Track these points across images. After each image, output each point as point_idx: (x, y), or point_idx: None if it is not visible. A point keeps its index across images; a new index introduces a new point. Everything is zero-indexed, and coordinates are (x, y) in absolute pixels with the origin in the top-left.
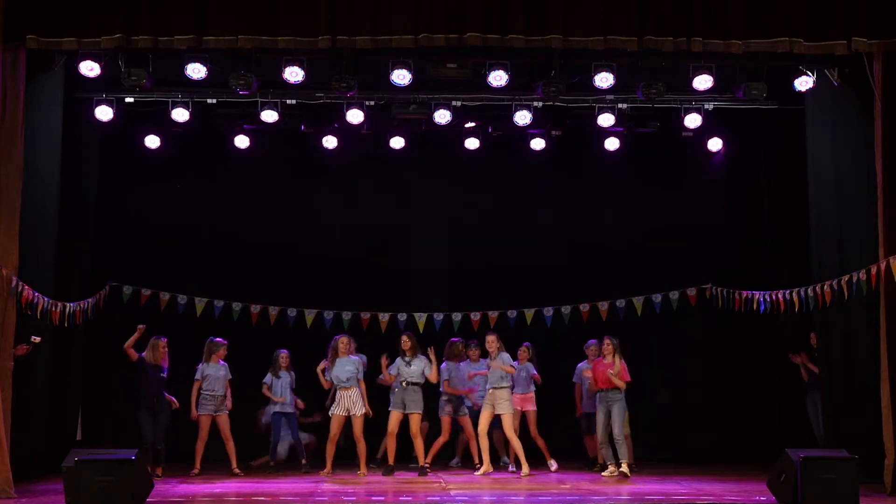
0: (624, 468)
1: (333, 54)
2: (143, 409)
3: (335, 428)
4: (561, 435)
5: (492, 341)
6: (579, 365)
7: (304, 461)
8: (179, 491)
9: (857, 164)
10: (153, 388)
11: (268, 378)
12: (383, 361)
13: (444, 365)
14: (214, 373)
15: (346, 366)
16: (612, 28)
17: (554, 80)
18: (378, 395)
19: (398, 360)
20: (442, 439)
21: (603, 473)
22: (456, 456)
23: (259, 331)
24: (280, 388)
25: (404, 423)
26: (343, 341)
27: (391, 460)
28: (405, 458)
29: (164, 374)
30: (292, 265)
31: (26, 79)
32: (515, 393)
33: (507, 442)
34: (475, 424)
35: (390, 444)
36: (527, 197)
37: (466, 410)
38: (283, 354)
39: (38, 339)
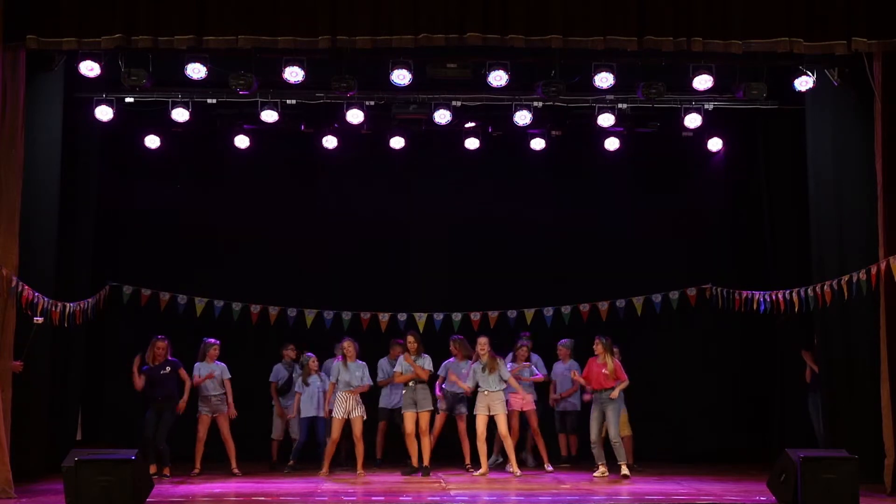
0: (624, 470)
1: (333, 54)
2: (150, 408)
3: (336, 430)
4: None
5: (484, 344)
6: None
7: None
8: (179, 491)
9: (857, 164)
10: (155, 389)
11: (298, 386)
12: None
13: (445, 362)
14: (209, 373)
15: (355, 371)
16: (612, 28)
17: (554, 80)
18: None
19: (402, 358)
20: (434, 435)
21: (594, 474)
22: (493, 454)
23: (259, 331)
24: (311, 394)
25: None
26: (349, 346)
27: (415, 461)
28: (403, 457)
29: (166, 371)
30: (292, 265)
31: (26, 79)
32: (512, 393)
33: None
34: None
35: (411, 445)
36: (527, 197)
37: (464, 409)
38: (313, 359)
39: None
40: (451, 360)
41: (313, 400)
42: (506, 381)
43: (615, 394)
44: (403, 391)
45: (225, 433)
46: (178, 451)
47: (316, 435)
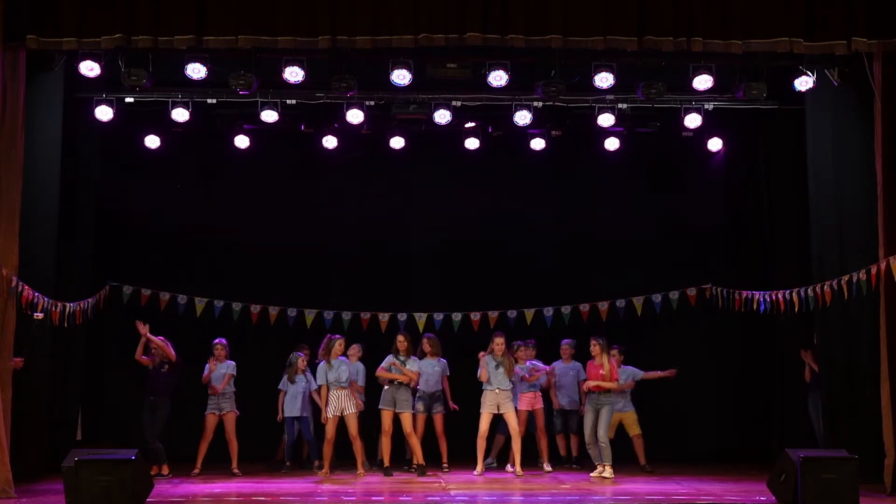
0: (608, 471)
1: (333, 54)
2: (144, 408)
3: (331, 430)
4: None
5: (500, 344)
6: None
7: (316, 462)
8: (179, 491)
9: (857, 164)
10: (152, 385)
11: (283, 384)
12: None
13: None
14: (216, 372)
15: (341, 366)
16: (612, 28)
17: (554, 80)
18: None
19: (391, 357)
20: (417, 437)
21: (591, 474)
22: (489, 455)
23: (259, 331)
24: (296, 394)
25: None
26: (341, 342)
27: (387, 461)
28: (404, 456)
29: (165, 369)
30: (292, 265)
31: (26, 79)
32: (523, 392)
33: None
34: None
35: (385, 444)
36: (526, 197)
37: (441, 408)
38: (302, 358)
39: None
40: (424, 359)
41: (297, 399)
42: (512, 382)
43: (600, 388)
44: (386, 387)
45: (230, 432)
46: (178, 451)
47: (302, 434)
